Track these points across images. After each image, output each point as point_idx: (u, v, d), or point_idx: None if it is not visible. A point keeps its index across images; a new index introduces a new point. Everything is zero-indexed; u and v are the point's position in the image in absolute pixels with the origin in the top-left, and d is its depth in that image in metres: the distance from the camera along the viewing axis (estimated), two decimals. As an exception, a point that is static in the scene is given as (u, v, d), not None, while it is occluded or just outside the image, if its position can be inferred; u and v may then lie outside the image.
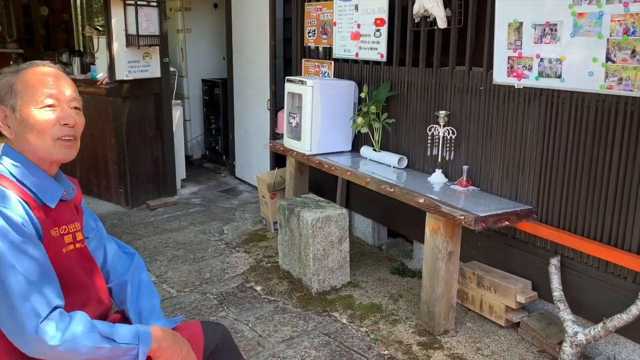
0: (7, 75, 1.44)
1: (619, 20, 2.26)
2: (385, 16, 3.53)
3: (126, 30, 4.48)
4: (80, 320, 1.35)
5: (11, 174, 1.40)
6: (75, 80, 4.82)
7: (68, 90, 1.46)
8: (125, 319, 1.68)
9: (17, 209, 1.33)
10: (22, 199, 1.36)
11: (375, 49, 3.67)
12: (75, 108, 1.48)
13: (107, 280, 1.69)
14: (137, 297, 1.67)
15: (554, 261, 2.65)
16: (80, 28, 6.10)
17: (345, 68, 4.01)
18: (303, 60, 4.46)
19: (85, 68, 5.21)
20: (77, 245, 1.50)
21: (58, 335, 1.30)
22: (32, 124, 1.41)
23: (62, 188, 1.49)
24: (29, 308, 1.28)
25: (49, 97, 1.42)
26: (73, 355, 1.33)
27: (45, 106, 1.41)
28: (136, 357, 1.39)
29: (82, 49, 5.86)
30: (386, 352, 2.70)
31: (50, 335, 1.29)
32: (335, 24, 4.00)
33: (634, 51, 2.22)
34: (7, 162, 1.42)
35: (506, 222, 2.66)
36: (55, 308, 1.33)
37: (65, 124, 1.43)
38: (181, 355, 1.49)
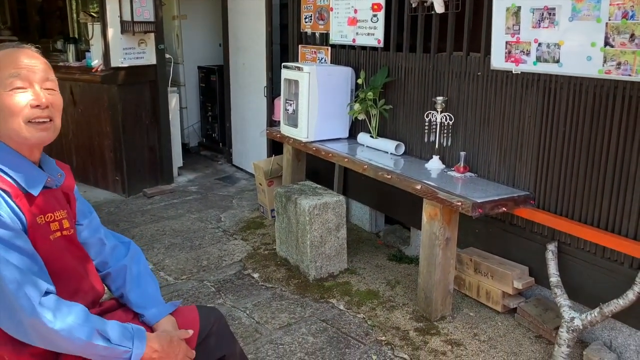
0: None
1: (617, 4, 2.23)
2: (382, 1, 3.50)
3: (121, 16, 4.44)
4: (78, 311, 1.35)
5: None
6: (70, 68, 4.87)
7: (39, 71, 1.41)
8: (121, 306, 1.67)
9: None
10: (1, 189, 1.33)
11: (372, 34, 3.64)
12: (49, 89, 1.43)
13: (104, 267, 1.68)
14: (137, 281, 1.67)
15: (551, 247, 2.65)
16: (75, 15, 6.05)
17: (342, 54, 3.97)
18: (300, 46, 4.43)
19: (80, 55, 5.17)
20: (64, 232, 1.48)
21: (56, 318, 1.30)
22: (2, 108, 1.36)
23: (46, 175, 1.45)
24: (23, 293, 1.28)
25: (17, 78, 1.36)
26: (70, 343, 1.33)
27: (14, 88, 1.36)
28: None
29: (77, 36, 5.81)
30: (383, 338, 2.71)
31: (47, 318, 1.29)
32: (332, 9, 3.96)
33: (632, 35, 2.19)
34: None
35: (503, 208, 2.66)
36: (47, 293, 1.33)
37: (36, 106, 1.38)
38: None
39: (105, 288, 1.68)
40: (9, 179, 1.36)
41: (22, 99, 1.37)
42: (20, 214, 1.34)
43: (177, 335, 1.55)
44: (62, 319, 1.31)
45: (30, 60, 1.40)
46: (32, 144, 1.41)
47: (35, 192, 1.39)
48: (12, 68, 1.36)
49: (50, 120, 1.42)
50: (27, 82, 1.38)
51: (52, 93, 1.43)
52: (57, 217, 1.46)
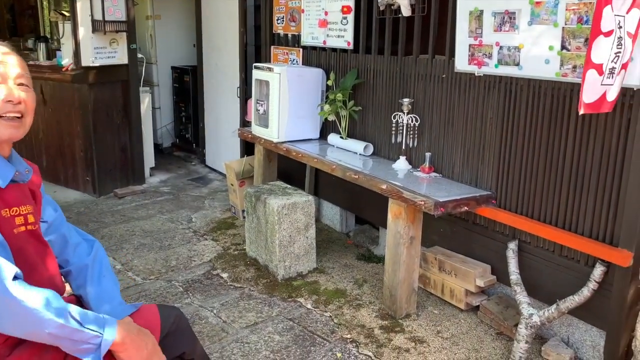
0: None
1: (573, 9, 2.31)
2: (351, 4, 3.54)
3: (92, 15, 4.40)
4: (50, 293, 1.33)
5: None
6: (40, 67, 4.82)
7: (14, 66, 1.43)
8: (80, 304, 1.67)
9: None
10: None
11: (342, 36, 3.68)
12: (22, 84, 1.45)
13: (66, 264, 1.68)
14: (99, 281, 1.65)
15: (512, 245, 2.72)
16: (46, 13, 5.99)
17: (314, 55, 4.01)
18: (272, 47, 4.45)
19: (51, 54, 5.12)
20: (29, 227, 1.48)
21: (28, 297, 1.28)
22: None
23: (14, 168, 1.46)
24: None
25: None
26: (40, 323, 1.29)
27: None
28: (98, 346, 1.35)
29: (48, 35, 5.75)
30: (349, 336, 2.74)
31: (19, 296, 1.27)
32: (303, 11, 3.99)
33: (587, 39, 2.26)
34: None
35: (465, 208, 2.71)
36: (16, 278, 1.31)
37: (9, 101, 1.40)
38: (147, 351, 1.46)
39: (67, 285, 1.68)
40: None
41: None
42: None
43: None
44: (34, 298, 1.29)
45: (5, 57, 1.42)
46: (1, 140, 1.43)
47: (2, 184, 1.40)
48: None
49: (22, 116, 1.44)
50: (2, 78, 1.40)
51: (25, 90, 1.45)
52: (23, 211, 1.46)
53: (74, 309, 1.36)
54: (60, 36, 4.69)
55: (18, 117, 1.43)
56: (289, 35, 4.26)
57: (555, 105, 2.48)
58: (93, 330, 1.35)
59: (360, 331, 2.78)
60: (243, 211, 4.20)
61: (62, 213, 1.73)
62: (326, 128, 3.94)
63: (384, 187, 2.87)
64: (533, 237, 2.65)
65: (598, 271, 2.33)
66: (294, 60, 4.20)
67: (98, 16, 4.42)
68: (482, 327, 2.81)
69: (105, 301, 1.63)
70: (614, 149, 2.29)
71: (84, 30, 4.43)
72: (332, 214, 4.18)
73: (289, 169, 4.34)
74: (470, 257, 2.97)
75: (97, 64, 4.54)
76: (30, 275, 1.46)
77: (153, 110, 5.67)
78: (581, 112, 2.06)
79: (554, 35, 2.39)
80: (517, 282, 2.64)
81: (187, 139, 6.15)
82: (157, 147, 5.96)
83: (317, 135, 3.95)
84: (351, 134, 3.69)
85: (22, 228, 1.46)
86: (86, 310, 1.40)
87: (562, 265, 2.55)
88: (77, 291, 1.67)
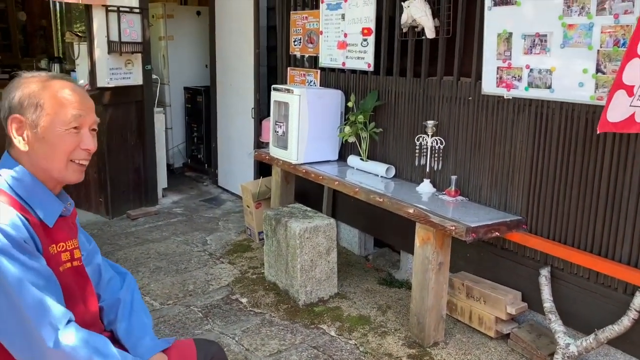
0: (32, 84, 1.38)
1: (609, 32, 2.27)
2: (372, 26, 3.52)
3: (108, 36, 4.40)
4: (103, 343, 1.34)
5: (10, 187, 1.34)
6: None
7: (92, 113, 1.44)
8: (114, 340, 1.61)
9: (17, 226, 1.27)
10: (22, 215, 1.30)
11: (362, 58, 3.65)
12: (94, 130, 1.46)
13: (99, 300, 1.63)
14: (130, 316, 1.61)
15: (544, 272, 2.65)
16: (59, 34, 6.00)
17: (332, 77, 3.98)
18: (288, 69, 4.43)
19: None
20: (75, 263, 1.45)
21: (80, 349, 1.28)
22: (54, 144, 1.37)
23: (62, 205, 1.43)
24: (46, 321, 1.24)
25: (75, 119, 1.38)
26: None
27: (71, 128, 1.38)
28: None
29: (61, 56, 5.76)
30: (376, 365, 2.66)
31: (70, 345, 1.26)
32: (321, 33, 3.97)
33: (624, 62, 2.22)
34: (7, 174, 1.35)
35: (496, 233, 2.65)
36: (69, 321, 1.30)
37: (85, 149, 1.41)
38: None
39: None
40: (26, 206, 1.34)
41: (76, 139, 1.39)
42: (38, 241, 1.33)
43: None
44: (85, 347, 1.28)
45: (87, 102, 1.43)
46: (68, 182, 1.43)
47: (50, 222, 1.38)
48: (73, 108, 1.38)
49: (88, 162, 1.46)
50: (82, 124, 1.40)
51: (94, 135, 1.46)
52: (69, 246, 1.43)
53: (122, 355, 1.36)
54: (75, 57, 4.68)
55: (86, 164, 1.44)
56: (306, 57, 4.23)
57: (590, 129, 2.43)
58: None
59: (388, 360, 2.70)
60: (260, 233, 4.14)
61: (95, 245, 1.69)
62: (345, 150, 3.89)
63: (410, 211, 2.81)
64: (566, 264, 2.58)
65: (639, 299, 2.25)
66: (311, 81, 4.17)
67: (114, 37, 4.42)
68: (513, 355, 2.72)
69: (137, 337, 1.58)
70: (653, 174, 2.23)
71: (99, 51, 4.41)
72: (350, 236, 4.11)
73: (305, 191, 4.29)
74: (498, 283, 2.90)
75: (112, 85, 4.52)
76: (76, 313, 1.42)
77: (165, 131, 5.64)
78: (599, 130, 2.06)
79: (588, 58, 2.36)
80: (551, 310, 2.56)
81: (199, 159, 6.12)
82: (169, 168, 5.92)
83: (336, 157, 3.90)
84: (371, 156, 3.64)
85: (68, 265, 1.43)
86: (125, 354, 1.39)
87: (598, 293, 2.47)
88: (109, 327, 1.62)
